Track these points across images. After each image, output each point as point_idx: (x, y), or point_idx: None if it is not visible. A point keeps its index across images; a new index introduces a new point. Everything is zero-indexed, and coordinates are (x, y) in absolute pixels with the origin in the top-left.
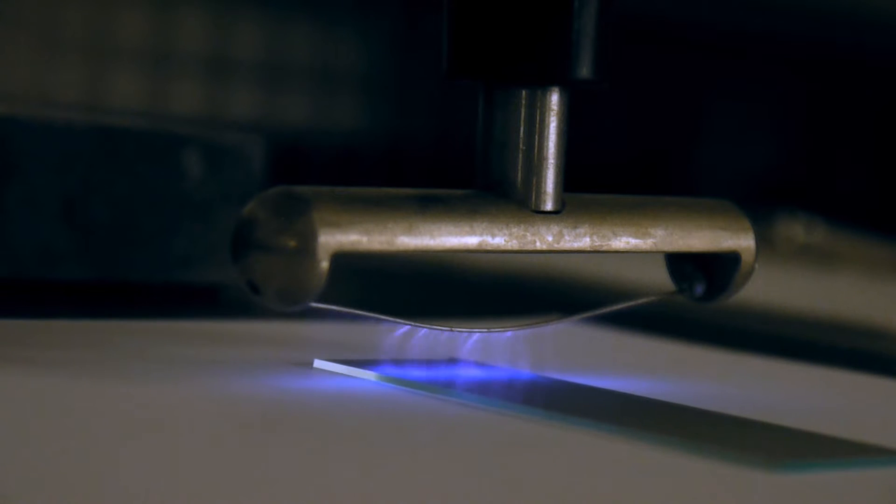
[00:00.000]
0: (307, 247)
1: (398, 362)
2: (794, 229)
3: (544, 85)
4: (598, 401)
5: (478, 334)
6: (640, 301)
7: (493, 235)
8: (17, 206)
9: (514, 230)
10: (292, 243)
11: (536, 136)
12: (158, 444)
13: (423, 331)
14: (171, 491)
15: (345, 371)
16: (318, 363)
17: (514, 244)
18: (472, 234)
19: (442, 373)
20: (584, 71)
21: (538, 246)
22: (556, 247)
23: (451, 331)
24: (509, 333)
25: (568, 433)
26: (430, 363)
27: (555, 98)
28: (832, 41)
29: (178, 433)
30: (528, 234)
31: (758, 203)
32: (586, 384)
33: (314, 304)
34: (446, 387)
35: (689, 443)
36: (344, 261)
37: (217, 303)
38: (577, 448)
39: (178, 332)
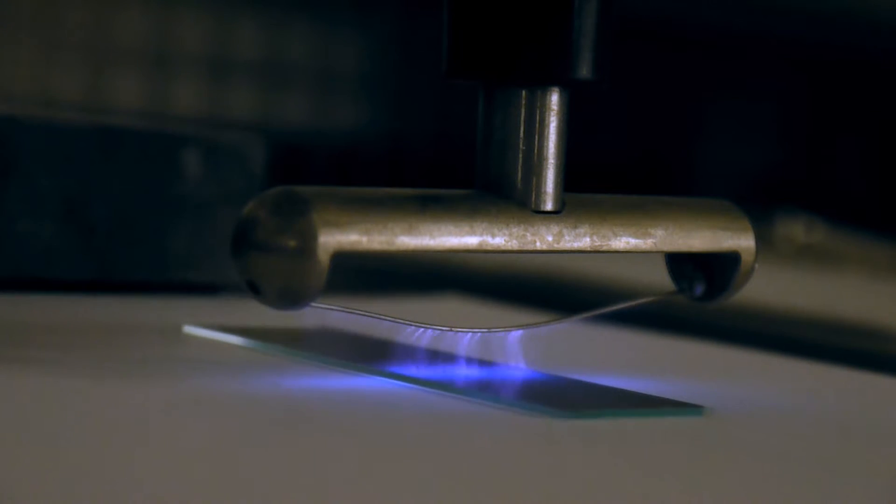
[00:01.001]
0: (307, 247)
1: (267, 331)
2: (794, 229)
3: (544, 85)
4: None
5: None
6: (640, 301)
7: (493, 235)
8: (17, 206)
9: (514, 230)
10: (292, 243)
11: (536, 136)
12: (158, 443)
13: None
14: (171, 489)
15: (214, 336)
16: (187, 329)
17: (514, 244)
18: (472, 234)
19: (312, 342)
20: (584, 71)
21: (538, 246)
22: (556, 247)
23: (452, 330)
24: (508, 333)
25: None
26: (301, 332)
27: (555, 98)
28: (832, 41)
29: (177, 432)
30: (528, 234)
31: (758, 203)
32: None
33: (314, 305)
34: (312, 355)
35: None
36: (344, 261)
37: (217, 303)
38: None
39: (176, 328)
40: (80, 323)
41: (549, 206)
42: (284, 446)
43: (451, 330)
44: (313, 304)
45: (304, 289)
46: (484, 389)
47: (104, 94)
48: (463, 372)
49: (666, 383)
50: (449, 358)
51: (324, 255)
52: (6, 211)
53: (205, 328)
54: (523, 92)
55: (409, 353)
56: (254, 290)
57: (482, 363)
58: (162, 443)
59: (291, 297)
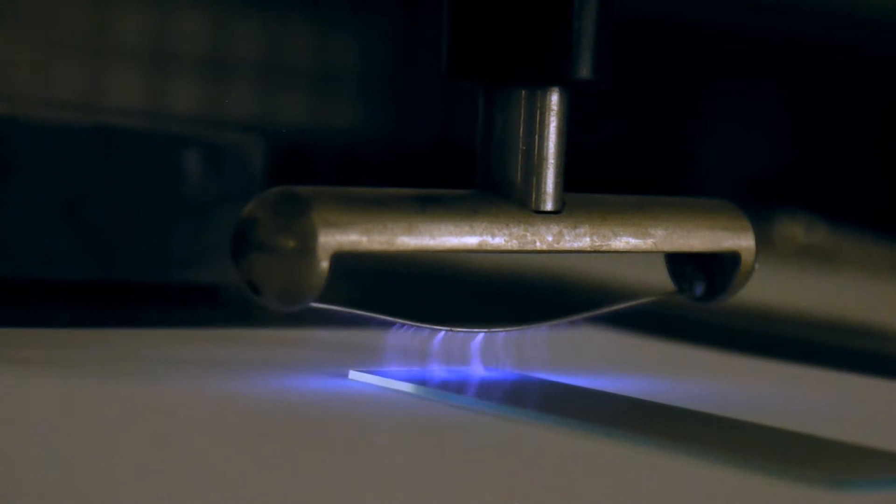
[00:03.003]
0: (307, 247)
1: (430, 371)
2: (794, 229)
3: (544, 85)
4: (609, 406)
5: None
6: (640, 301)
7: (493, 235)
8: (17, 206)
9: (514, 230)
10: (292, 243)
11: (536, 136)
12: (157, 444)
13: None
14: (170, 492)
15: (381, 382)
16: (353, 374)
17: (514, 244)
18: (472, 234)
19: (465, 379)
20: (584, 71)
21: (538, 246)
22: (556, 247)
23: (451, 331)
24: (509, 333)
25: (579, 440)
26: (452, 370)
27: (555, 98)
28: (832, 41)
29: (177, 434)
30: (528, 234)
31: (758, 203)
32: (597, 389)
33: (314, 305)
34: (475, 395)
35: (712, 452)
36: (344, 261)
37: (217, 303)
38: (586, 453)
39: (178, 333)
40: (79, 323)
41: (549, 206)
42: (283, 448)
43: (450, 330)
44: (313, 304)
45: (304, 289)
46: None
47: (104, 93)
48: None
49: (665, 383)
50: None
51: (324, 255)
52: (6, 211)
53: (371, 373)
54: (523, 92)
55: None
56: (254, 290)
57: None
58: (162, 443)
59: (291, 297)
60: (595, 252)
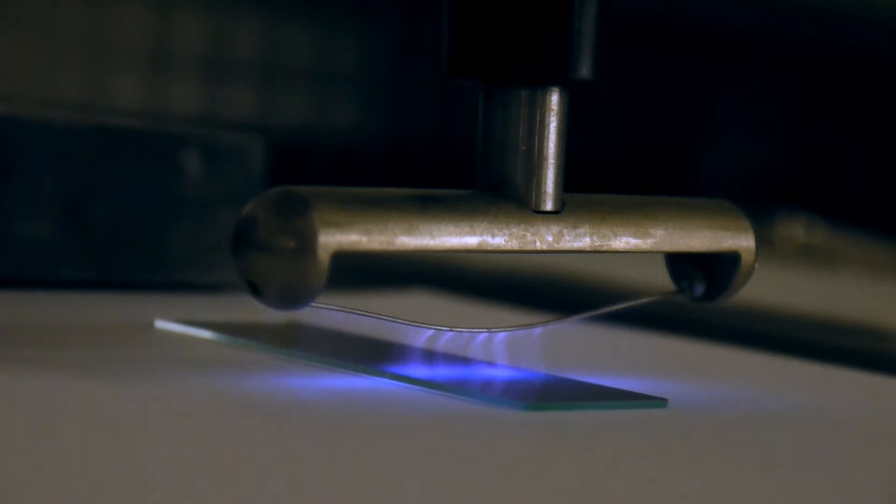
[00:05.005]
0: (307, 247)
1: (240, 325)
2: (794, 229)
3: (544, 85)
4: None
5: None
6: (640, 301)
7: (493, 235)
8: (17, 206)
9: (514, 230)
10: (292, 243)
11: (536, 136)
12: (157, 443)
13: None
14: (170, 489)
15: (185, 331)
16: (158, 323)
17: (514, 244)
18: (472, 234)
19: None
20: (584, 71)
21: (538, 246)
22: (556, 247)
23: (452, 330)
24: (510, 333)
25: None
26: (270, 327)
27: (555, 98)
28: (832, 41)
29: (175, 431)
30: (528, 234)
31: (758, 203)
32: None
33: (314, 305)
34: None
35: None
36: (344, 261)
37: (217, 303)
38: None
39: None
40: (79, 322)
41: (549, 206)
42: (281, 446)
43: (451, 330)
44: (313, 304)
45: (304, 289)
46: (450, 384)
47: (104, 94)
48: (434, 367)
49: (665, 383)
50: (427, 355)
51: (324, 255)
52: (6, 211)
53: (176, 323)
54: (523, 92)
55: (385, 348)
56: (254, 290)
57: (463, 361)
58: (159, 442)
59: (291, 297)
60: (595, 252)
